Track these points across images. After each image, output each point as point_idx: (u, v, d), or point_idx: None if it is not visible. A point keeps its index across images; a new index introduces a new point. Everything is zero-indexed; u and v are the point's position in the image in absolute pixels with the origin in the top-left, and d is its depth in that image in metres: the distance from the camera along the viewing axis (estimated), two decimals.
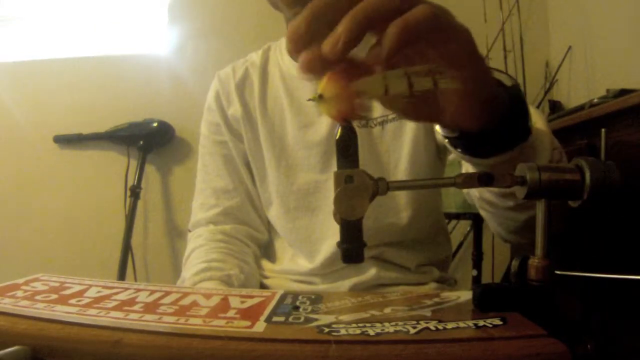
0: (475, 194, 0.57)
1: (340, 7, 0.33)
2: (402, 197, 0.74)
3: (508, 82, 0.43)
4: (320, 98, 0.37)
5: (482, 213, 0.61)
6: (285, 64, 0.81)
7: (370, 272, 0.72)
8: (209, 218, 0.80)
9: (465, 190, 0.69)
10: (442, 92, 0.38)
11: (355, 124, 0.38)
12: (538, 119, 0.47)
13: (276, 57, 0.83)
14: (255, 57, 0.84)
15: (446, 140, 0.46)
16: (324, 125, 0.75)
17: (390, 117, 0.73)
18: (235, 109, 0.81)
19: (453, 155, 0.72)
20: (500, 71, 0.45)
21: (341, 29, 0.32)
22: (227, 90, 0.82)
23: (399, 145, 0.73)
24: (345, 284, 0.73)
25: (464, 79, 0.37)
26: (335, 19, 0.33)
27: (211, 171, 0.82)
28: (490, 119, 0.40)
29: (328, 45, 0.33)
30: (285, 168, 0.77)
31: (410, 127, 0.73)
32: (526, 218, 0.53)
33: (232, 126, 0.81)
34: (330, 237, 0.74)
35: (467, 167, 0.69)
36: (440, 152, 0.76)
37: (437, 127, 0.46)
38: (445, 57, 0.36)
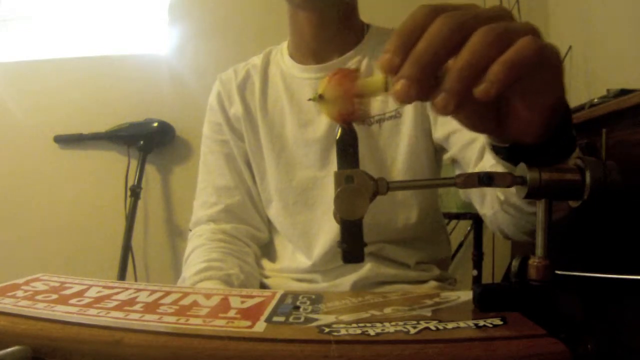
0: (500, 198, 0.57)
1: (439, 45, 0.31)
2: (400, 195, 0.75)
3: None
4: (320, 98, 0.37)
5: (501, 215, 0.60)
6: (285, 65, 0.82)
7: (370, 269, 0.73)
8: (209, 215, 0.81)
9: (461, 190, 0.69)
10: (517, 111, 0.37)
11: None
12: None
13: (277, 59, 0.84)
14: (257, 59, 0.86)
15: (489, 146, 0.44)
16: (323, 123, 0.76)
17: (387, 115, 0.75)
18: (236, 109, 0.82)
19: (448, 155, 0.72)
20: None
21: (447, 91, 0.31)
22: (228, 90, 0.83)
23: (396, 142, 0.74)
24: (346, 282, 0.74)
25: (549, 103, 0.36)
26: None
27: (213, 170, 0.83)
28: (550, 135, 0.39)
29: (441, 102, 0.31)
30: (285, 165, 0.78)
31: (407, 126, 0.74)
32: None
33: (234, 125, 0.82)
34: (327, 232, 0.75)
35: (465, 169, 0.69)
36: (437, 153, 0.77)
37: (478, 135, 0.43)
38: (538, 84, 0.34)
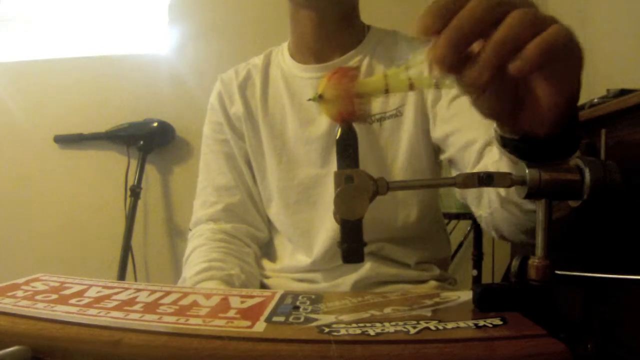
0: (501, 194, 0.57)
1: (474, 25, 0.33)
2: (400, 193, 0.75)
3: None
4: (320, 98, 0.37)
5: (499, 214, 0.60)
6: (286, 65, 0.83)
7: (370, 269, 0.73)
8: (209, 215, 0.81)
9: (458, 190, 0.69)
10: (536, 95, 0.38)
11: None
12: None
13: (278, 59, 0.85)
14: (257, 60, 0.86)
15: (497, 138, 0.45)
16: (324, 122, 0.76)
17: (388, 114, 0.75)
18: (237, 108, 0.82)
19: (445, 155, 0.72)
20: None
21: (482, 63, 0.33)
22: (229, 90, 0.84)
23: (396, 140, 0.75)
24: (347, 282, 0.74)
25: (567, 91, 0.37)
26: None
27: (213, 169, 0.83)
28: (559, 129, 0.40)
29: (476, 73, 0.33)
30: (286, 164, 0.79)
31: (408, 125, 0.74)
32: None
33: (234, 125, 0.83)
34: (328, 230, 0.75)
35: (462, 171, 0.69)
36: (436, 155, 0.77)
37: (495, 124, 0.45)
38: (561, 71, 0.36)
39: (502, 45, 0.32)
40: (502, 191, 0.56)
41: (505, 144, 0.44)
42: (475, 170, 0.63)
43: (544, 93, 0.37)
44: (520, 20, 0.32)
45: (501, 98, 0.38)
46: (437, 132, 0.72)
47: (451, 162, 0.72)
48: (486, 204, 0.62)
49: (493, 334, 0.32)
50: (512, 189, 0.52)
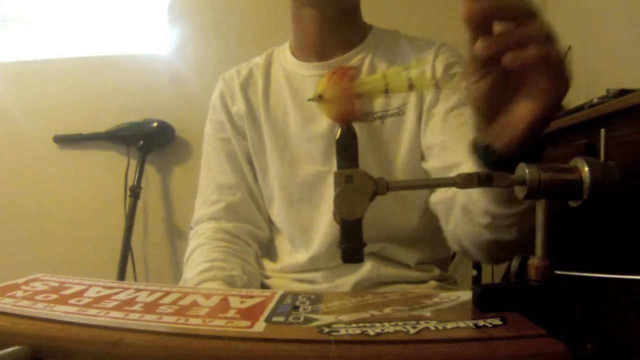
0: (462, 201, 0.58)
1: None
2: (400, 193, 0.75)
3: None
4: (319, 98, 0.37)
5: (460, 228, 0.61)
6: (288, 63, 0.83)
7: (371, 270, 0.73)
8: (210, 213, 0.81)
9: (435, 200, 0.70)
10: (514, 111, 0.42)
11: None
12: None
13: (279, 58, 0.85)
14: (259, 59, 0.86)
15: (471, 142, 0.48)
16: (326, 119, 0.76)
17: (390, 112, 0.75)
18: (239, 107, 0.82)
19: (427, 165, 0.73)
20: None
21: (499, 38, 0.39)
22: (231, 89, 0.84)
23: (398, 138, 0.75)
24: (347, 283, 0.74)
25: (538, 113, 0.41)
26: None
27: (214, 168, 0.84)
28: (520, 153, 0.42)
29: (483, 45, 0.39)
30: (289, 161, 0.79)
31: (409, 123, 0.74)
32: (492, 239, 0.55)
33: (236, 123, 0.83)
34: (329, 226, 0.75)
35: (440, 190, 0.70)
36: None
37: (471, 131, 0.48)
38: (545, 92, 0.40)
39: (518, 36, 0.38)
40: (463, 199, 0.57)
41: (474, 148, 0.47)
42: (449, 194, 0.65)
43: (523, 107, 0.41)
44: (539, 29, 0.38)
45: (493, 91, 0.42)
46: (425, 138, 0.73)
47: (428, 174, 0.73)
48: (452, 218, 0.62)
49: (493, 334, 0.32)
50: (473, 198, 0.54)
